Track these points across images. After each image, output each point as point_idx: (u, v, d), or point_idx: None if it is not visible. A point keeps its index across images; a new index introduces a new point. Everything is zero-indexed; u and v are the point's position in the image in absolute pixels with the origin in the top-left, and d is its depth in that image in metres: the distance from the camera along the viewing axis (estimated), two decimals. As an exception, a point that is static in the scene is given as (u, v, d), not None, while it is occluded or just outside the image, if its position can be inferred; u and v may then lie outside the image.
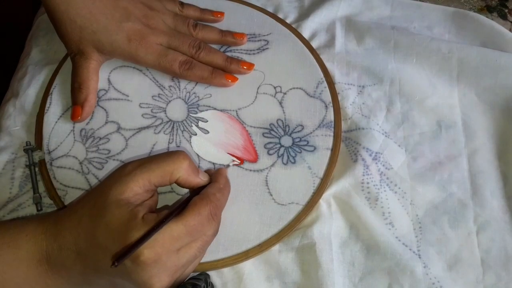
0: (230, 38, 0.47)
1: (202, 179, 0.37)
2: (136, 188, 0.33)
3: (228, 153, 0.43)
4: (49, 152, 0.42)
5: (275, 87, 0.46)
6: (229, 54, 0.47)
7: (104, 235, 0.31)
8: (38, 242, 0.33)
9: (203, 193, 0.35)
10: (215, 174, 0.38)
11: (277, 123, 0.44)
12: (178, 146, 0.43)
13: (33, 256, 0.33)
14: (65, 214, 0.34)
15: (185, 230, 0.32)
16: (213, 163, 0.42)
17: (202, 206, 0.33)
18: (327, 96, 0.45)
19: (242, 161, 0.43)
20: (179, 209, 0.33)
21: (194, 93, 0.46)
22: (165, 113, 0.45)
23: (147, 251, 0.30)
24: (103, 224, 0.31)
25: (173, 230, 0.31)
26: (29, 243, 0.33)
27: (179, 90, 0.46)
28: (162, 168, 0.34)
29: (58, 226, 0.33)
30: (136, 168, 0.34)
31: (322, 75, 0.46)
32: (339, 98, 0.46)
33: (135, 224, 0.31)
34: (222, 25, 0.49)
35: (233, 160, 0.43)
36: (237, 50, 0.48)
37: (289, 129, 0.44)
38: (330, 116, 0.45)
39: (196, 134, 0.44)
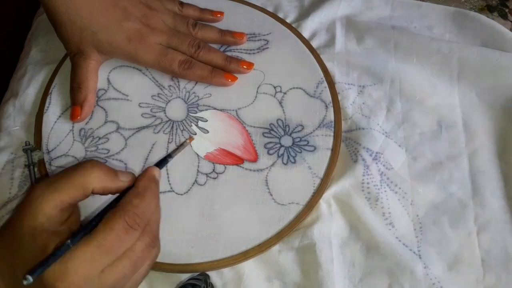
0: (229, 37, 0.47)
1: (124, 179, 0.34)
2: (48, 211, 0.30)
3: (220, 149, 0.43)
4: (48, 152, 0.42)
5: (275, 87, 0.46)
6: (229, 53, 0.47)
7: (22, 271, 0.29)
8: None
9: (118, 204, 0.32)
10: (139, 176, 0.35)
11: (277, 123, 0.44)
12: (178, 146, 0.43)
13: None
14: None
15: (98, 250, 0.29)
16: (213, 163, 0.42)
17: (115, 219, 0.30)
18: (327, 96, 0.45)
19: (242, 161, 0.43)
20: (88, 227, 0.31)
21: (194, 92, 0.46)
22: (165, 113, 0.45)
23: (61, 284, 0.28)
24: (20, 260, 0.30)
25: (85, 253, 0.28)
26: None
27: (179, 90, 0.46)
28: (71, 184, 0.31)
29: None
30: (45, 189, 0.31)
31: (322, 75, 0.46)
32: (339, 98, 0.46)
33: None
34: (222, 24, 0.49)
35: (190, 137, 0.42)
36: (237, 49, 0.48)
37: (289, 129, 0.44)
38: (330, 116, 0.45)
39: (195, 134, 0.44)
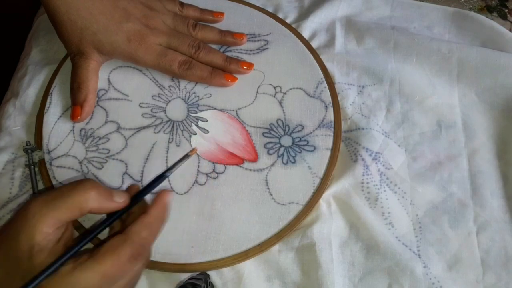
0: (229, 38, 0.47)
1: (119, 201, 0.34)
2: (45, 229, 0.30)
3: (227, 150, 0.43)
4: (49, 152, 0.42)
5: (275, 87, 0.46)
6: (229, 54, 0.47)
7: None
8: None
9: (126, 232, 0.32)
10: (153, 201, 0.35)
11: (277, 123, 0.44)
12: (178, 146, 0.43)
13: None
14: None
15: (101, 277, 0.29)
16: (213, 163, 0.42)
17: (122, 250, 0.30)
18: (327, 96, 0.45)
19: (242, 160, 0.43)
20: (74, 248, 0.31)
21: (194, 92, 0.46)
22: (165, 113, 0.45)
23: None
24: (18, 278, 0.30)
25: (89, 281, 0.29)
26: None
27: (179, 90, 0.46)
28: (68, 204, 0.31)
29: None
30: (42, 207, 0.31)
31: (322, 75, 0.47)
32: (339, 98, 0.46)
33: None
34: (222, 25, 0.49)
35: (193, 149, 0.42)
36: (237, 50, 0.48)
37: (289, 129, 0.44)
38: (330, 116, 0.45)
39: (195, 134, 0.44)
